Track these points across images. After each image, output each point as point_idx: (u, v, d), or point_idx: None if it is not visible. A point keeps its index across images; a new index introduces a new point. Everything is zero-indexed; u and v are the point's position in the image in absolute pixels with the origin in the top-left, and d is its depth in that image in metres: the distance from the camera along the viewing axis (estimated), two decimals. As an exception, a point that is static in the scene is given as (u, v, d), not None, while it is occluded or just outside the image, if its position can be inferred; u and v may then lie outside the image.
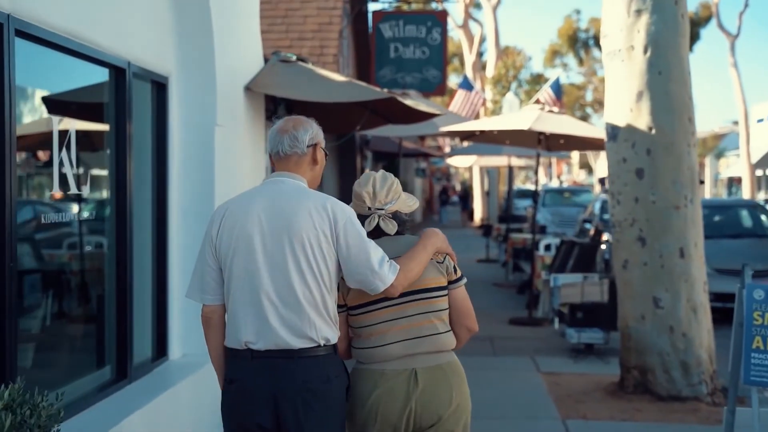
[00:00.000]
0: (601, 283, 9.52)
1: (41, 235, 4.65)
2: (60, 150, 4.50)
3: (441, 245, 3.39)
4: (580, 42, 48.12)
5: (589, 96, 50.61)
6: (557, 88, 16.38)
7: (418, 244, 3.33)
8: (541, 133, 11.25)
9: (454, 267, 3.43)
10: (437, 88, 15.95)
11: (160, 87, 5.94)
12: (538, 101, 13.09)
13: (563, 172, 70.72)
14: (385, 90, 7.87)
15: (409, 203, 3.49)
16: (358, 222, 3.19)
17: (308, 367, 3.11)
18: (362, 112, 8.34)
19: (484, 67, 38.07)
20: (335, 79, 7.66)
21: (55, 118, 4.51)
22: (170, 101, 6.01)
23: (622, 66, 7.51)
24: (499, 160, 19.87)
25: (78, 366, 5.09)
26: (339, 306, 3.32)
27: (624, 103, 7.50)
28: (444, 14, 16.82)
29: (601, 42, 7.83)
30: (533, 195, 11.28)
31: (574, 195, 27.52)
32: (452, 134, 12.34)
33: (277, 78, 7.37)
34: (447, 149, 32.46)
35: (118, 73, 5.24)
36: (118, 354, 5.27)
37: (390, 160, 23.06)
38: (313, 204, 3.15)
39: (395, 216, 3.42)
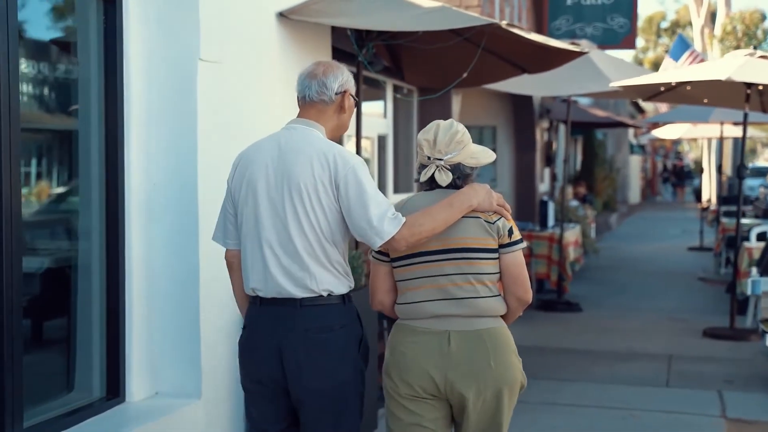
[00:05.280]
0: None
1: None
2: None
3: (480, 203, 3.09)
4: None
5: None
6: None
7: (444, 199, 3.08)
8: (749, 87, 8.48)
9: (510, 229, 3.15)
10: (624, 39, 13.10)
11: (108, 3, 4.12)
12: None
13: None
14: (504, 22, 5.62)
15: (477, 156, 3.21)
16: (363, 173, 3.04)
17: (311, 315, 3.05)
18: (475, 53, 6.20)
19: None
20: (420, 4, 5.52)
21: None
22: (126, 26, 4.18)
23: None
24: (710, 130, 16.34)
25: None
26: (383, 254, 3.20)
27: None
28: (635, -55, 13.76)
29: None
30: (738, 170, 8.48)
31: (818, 172, 23.53)
32: (628, 94, 9.73)
33: (337, 4, 5.37)
34: (661, 124, 28.67)
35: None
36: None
37: (587, 132, 20.25)
38: (316, 153, 3.05)
39: (456, 168, 3.17)
